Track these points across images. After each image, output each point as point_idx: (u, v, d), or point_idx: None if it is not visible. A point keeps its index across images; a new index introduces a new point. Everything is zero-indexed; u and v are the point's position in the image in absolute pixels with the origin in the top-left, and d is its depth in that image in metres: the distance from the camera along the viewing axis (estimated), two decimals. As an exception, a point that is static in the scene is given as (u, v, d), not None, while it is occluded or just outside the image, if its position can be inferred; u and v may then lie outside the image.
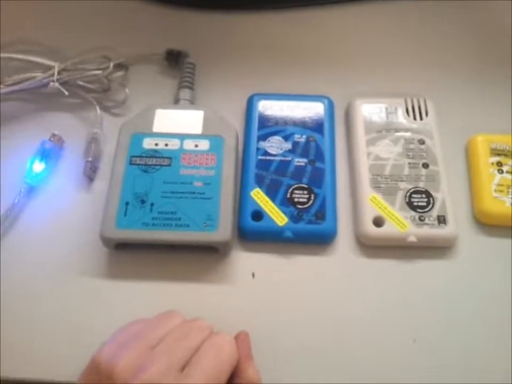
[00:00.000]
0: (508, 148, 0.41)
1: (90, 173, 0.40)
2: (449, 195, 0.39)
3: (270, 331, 0.35)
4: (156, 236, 0.36)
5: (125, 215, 0.36)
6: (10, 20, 0.49)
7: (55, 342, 0.35)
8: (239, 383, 0.31)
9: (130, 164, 0.38)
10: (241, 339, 0.34)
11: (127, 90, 0.45)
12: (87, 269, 0.37)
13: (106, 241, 0.36)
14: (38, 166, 0.40)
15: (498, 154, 0.41)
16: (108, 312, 0.36)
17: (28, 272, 0.37)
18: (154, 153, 0.39)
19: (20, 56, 0.44)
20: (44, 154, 0.40)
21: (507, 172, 0.40)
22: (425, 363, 0.34)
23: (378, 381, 0.34)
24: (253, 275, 0.37)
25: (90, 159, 0.40)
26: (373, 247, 0.38)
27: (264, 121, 0.42)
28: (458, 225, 0.38)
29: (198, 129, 0.40)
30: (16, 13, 0.49)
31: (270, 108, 0.43)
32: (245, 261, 0.38)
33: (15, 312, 0.35)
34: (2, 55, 0.44)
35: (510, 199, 0.39)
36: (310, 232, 0.38)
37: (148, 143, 0.39)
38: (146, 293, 0.37)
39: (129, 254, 0.37)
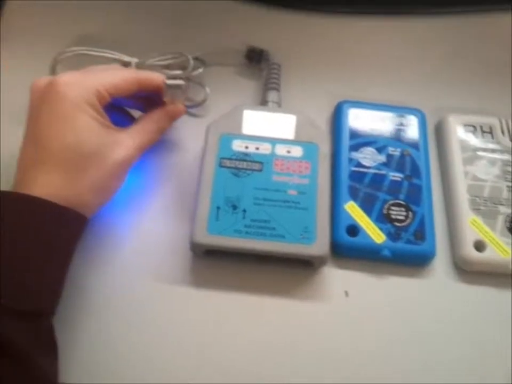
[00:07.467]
0: None
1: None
2: (552, 223, 0.37)
3: (362, 353, 0.33)
4: (250, 245, 0.33)
5: (217, 220, 0.34)
6: (80, 15, 0.46)
7: (140, 348, 0.32)
8: None
9: (220, 166, 0.36)
10: None
11: (207, 89, 0.42)
12: (172, 276, 0.35)
13: (196, 246, 0.34)
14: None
15: None
16: (192, 320, 0.33)
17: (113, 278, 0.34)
18: (244, 157, 0.36)
19: (96, 52, 0.41)
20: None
21: None
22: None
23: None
24: (346, 293, 0.35)
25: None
26: (472, 273, 0.36)
27: (355, 131, 0.40)
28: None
29: (290, 134, 0.38)
30: (86, 10, 0.47)
31: (361, 116, 0.41)
32: (338, 278, 0.35)
33: (97, 319, 0.33)
34: (79, 50, 0.41)
35: None
36: (408, 253, 0.35)
37: (237, 145, 0.37)
38: (233, 304, 0.34)
39: (217, 261, 0.35)
